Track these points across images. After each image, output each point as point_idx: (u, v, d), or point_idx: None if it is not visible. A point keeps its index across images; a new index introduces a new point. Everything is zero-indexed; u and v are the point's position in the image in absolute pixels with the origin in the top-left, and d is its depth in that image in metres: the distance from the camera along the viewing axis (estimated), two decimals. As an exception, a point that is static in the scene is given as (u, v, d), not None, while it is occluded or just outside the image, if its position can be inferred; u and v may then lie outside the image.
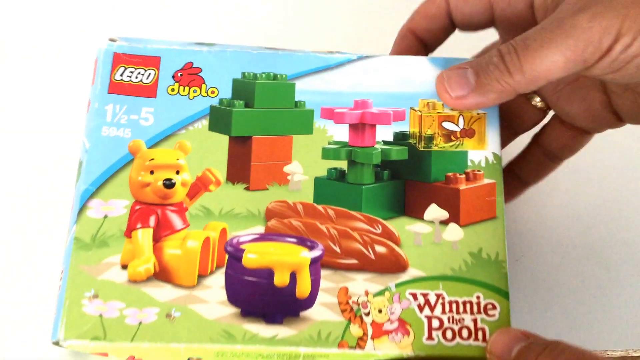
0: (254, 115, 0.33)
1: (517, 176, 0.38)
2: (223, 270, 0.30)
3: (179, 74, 0.32)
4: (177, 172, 0.31)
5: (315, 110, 0.32)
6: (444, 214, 0.31)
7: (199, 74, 0.33)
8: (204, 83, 0.33)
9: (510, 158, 0.39)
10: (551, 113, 0.37)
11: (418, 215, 0.31)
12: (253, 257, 0.29)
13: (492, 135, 0.32)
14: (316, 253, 0.30)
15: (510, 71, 0.29)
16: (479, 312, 0.29)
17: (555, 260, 0.42)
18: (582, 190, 0.44)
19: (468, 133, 0.32)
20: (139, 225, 0.30)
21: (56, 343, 0.28)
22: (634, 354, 0.41)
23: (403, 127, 0.32)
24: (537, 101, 0.36)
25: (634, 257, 0.43)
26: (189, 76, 0.33)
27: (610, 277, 0.42)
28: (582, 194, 0.44)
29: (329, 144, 0.32)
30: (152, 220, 0.30)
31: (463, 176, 0.32)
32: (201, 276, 0.30)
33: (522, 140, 0.39)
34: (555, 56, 0.28)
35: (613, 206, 0.44)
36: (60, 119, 0.45)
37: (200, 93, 0.32)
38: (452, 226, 0.31)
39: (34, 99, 0.46)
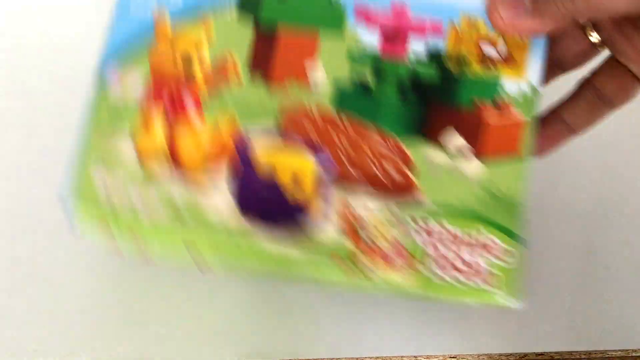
0: (284, 10, 0.31)
1: (564, 121, 0.35)
2: (233, 171, 0.29)
3: None
4: (197, 50, 0.30)
5: (348, 6, 0.31)
6: (463, 143, 0.30)
7: None
8: None
9: (557, 101, 0.36)
10: (605, 53, 0.33)
11: (436, 139, 0.30)
12: (264, 164, 0.29)
13: (534, 67, 0.30)
14: (327, 167, 0.29)
15: None
16: (486, 251, 0.28)
17: (555, 260, 0.42)
18: (582, 190, 0.43)
19: (507, 59, 0.30)
20: (155, 116, 0.30)
21: (64, 203, 0.29)
22: (634, 354, 0.40)
23: (437, 41, 0.30)
24: (593, 35, 0.33)
25: (633, 257, 0.42)
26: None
27: (610, 277, 0.42)
28: (582, 194, 0.43)
29: (358, 51, 0.31)
30: (169, 112, 0.30)
31: (494, 106, 0.30)
32: (207, 163, 0.30)
33: (564, 84, 0.36)
34: None
35: (613, 206, 0.43)
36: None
37: None
38: (473, 159, 0.29)
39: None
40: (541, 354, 0.43)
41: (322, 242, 0.28)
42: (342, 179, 0.29)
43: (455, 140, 0.30)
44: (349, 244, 0.28)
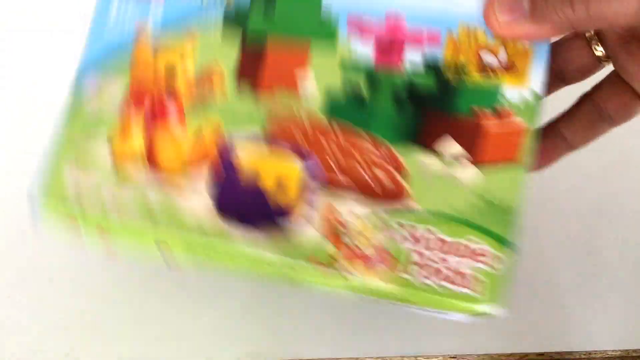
0: (273, 14, 0.30)
1: (562, 136, 0.34)
2: (213, 173, 0.28)
3: None
4: (181, 59, 0.30)
5: (341, 18, 0.30)
6: (458, 149, 0.28)
7: None
8: None
9: (556, 115, 0.35)
10: (609, 68, 0.32)
11: (432, 147, 0.28)
12: (247, 167, 0.28)
13: (536, 73, 0.29)
14: (309, 165, 0.28)
15: (573, 6, 0.26)
16: (474, 258, 0.27)
17: (555, 260, 0.41)
18: (582, 190, 0.43)
19: (507, 67, 0.29)
20: (133, 121, 0.29)
21: (32, 201, 0.28)
22: (634, 354, 0.40)
23: (435, 51, 0.29)
24: (598, 49, 0.32)
25: (634, 257, 0.42)
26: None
27: (610, 277, 0.41)
28: (582, 194, 0.43)
29: (352, 61, 0.30)
30: (148, 118, 0.30)
31: (491, 113, 0.28)
32: (187, 166, 0.29)
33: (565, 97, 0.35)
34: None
35: (613, 205, 0.43)
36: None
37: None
38: (469, 166, 0.28)
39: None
40: (541, 354, 0.43)
41: (301, 245, 0.26)
42: (330, 185, 0.28)
43: (452, 147, 0.28)
44: (329, 247, 0.26)
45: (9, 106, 0.45)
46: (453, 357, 0.43)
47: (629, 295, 0.41)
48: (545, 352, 0.42)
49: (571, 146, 0.34)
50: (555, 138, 0.34)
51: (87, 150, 0.29)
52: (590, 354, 0.41)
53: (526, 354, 0.43)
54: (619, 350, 0.41)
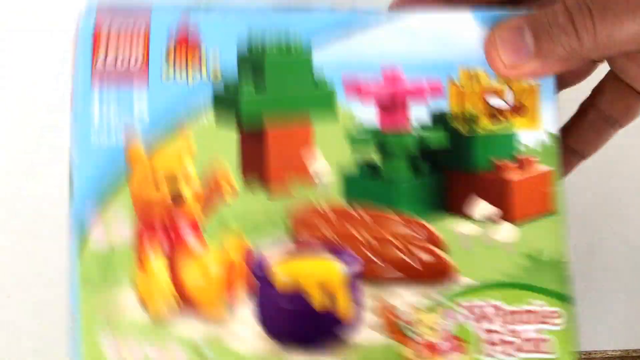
0: (266, 102, 0.28)
1: (571, 148, 0.33)
2: (251, 294, 0.27)
3: (172, 47, 0.27)
4: (185, 180, 0.27)
5: (335, 76, 0.27)
6: (494, 211, 0.27)
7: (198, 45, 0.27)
8: (204, 57, 0.27)
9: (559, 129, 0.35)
10: (603, 66, 0.32)
11: (464, 212, 0.28)
12: (284, 278, 0.26)
13: (548, 111, 0.28)
14: (352, 266, 0.27)
15: (579, 36, 0.25)
16: (541, 321, 0.27)
17: None
18: (582, 189, 0.43)
19: (518, 110, 0.28)
20: (149, 250, 0.26)
21: None
22: (634, 354, 0.41)
23: (440, 103, 0.28)
24: None
25: (633, 257, 0.42)
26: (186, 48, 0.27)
27: (610, 277, 0.42)
28: (582, 194, 0.43)
29: (357, 129, 0.28)
30: (163, 243, 0.27)
31: (514, 164, 0.28)
32: (229, 304, 0.27)
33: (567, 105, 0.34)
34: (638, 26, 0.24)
35: (613, 205, 0.43)
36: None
37: (201, 76, 0.27)
38: (504, 224, 0.27)
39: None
40: None
41: (370, 354, 0.26)
42: (371, 275, 0.27)
43: (482, 207, 0.28)
44: (399, 348, 0.26)
45: (9, 106, 0.42)
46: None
47: (629, 296, 0.42)
48: (544, 352, 0.45)
49: (582, 157, 0.33)
50: (566, 152, 0.32)
51: (115, 306, 0.26)
52: (590, 354, 0.42)
53: (526, 355, 0.45)
54: (619, 350, 0.42)
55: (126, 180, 0.26)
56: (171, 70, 0.27)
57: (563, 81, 0.32)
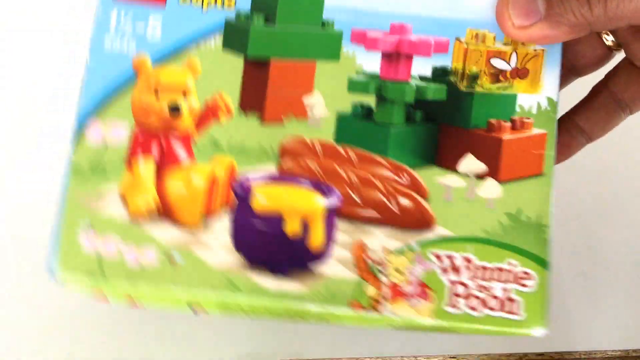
0: (274, 34, 0.29)
1: (580, 128, 0.32)
2: (228, 211, 0.27)
3: None
4: (184, 95, 0.28)
5: (344, 31, 0.28)
6: (481, 167, 0.27)
7: None
8: None
9: (571, 106, 0.34)
10: (620, 55, 0.32)
11: (451, 166, 0.27)
12: (263, 200, 0.26)
13: (550, 78, 0.28)
14: (332, 201, 0.27)
15: (590, 3, 0.25)
16: (512, 281, 0.26)
17: (556, 260, 0.43)
18: (582, 190, 0.43)
19: (520, 73, 0.28)
20: (140, 154, 0.27)
21: (51, 275, 0.26)
22: (634, 354, 0.40)
23: (444, 60, 0.28)
24: (608, 38, 0.31)
25: (633, 257, 0.42)
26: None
27: (610, 277, 0.42)
28: (582, 194, 0.43)
29: (357, 73, 0.28)
30: (154, 150, 0.28)
31: (508, 124, 0.28)
32: (206, 216, 0.27)
33: (578, 88, 0.34)
34: None
35: (613, 206, 0.43)
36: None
37: (216, 3, 0.28)
38: (490, 181, 0.27)
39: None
40: (541, 354, 0.43)
41: (340, 290, 0.26)
42: (349, 212, 0.27)
43: (470, 162, 0.27)
44: (369, 289, 0.26)
45: (9, 106, 0.43)
46: (453, 357, 0.43)
47: (629, 295, 0.42)
48: (545, 352, 0.43)
49: (589, 138, 0.33)
50: (573, 131, 0.33)
51: (99, 200, 0.26)
52: (590, 354, 0.42)
53: (526, 354, 0.43)
54: (619, 350, 0.41)
55: (129, 84, 0.27)
56: None
57: (581, 67, 0.32)
